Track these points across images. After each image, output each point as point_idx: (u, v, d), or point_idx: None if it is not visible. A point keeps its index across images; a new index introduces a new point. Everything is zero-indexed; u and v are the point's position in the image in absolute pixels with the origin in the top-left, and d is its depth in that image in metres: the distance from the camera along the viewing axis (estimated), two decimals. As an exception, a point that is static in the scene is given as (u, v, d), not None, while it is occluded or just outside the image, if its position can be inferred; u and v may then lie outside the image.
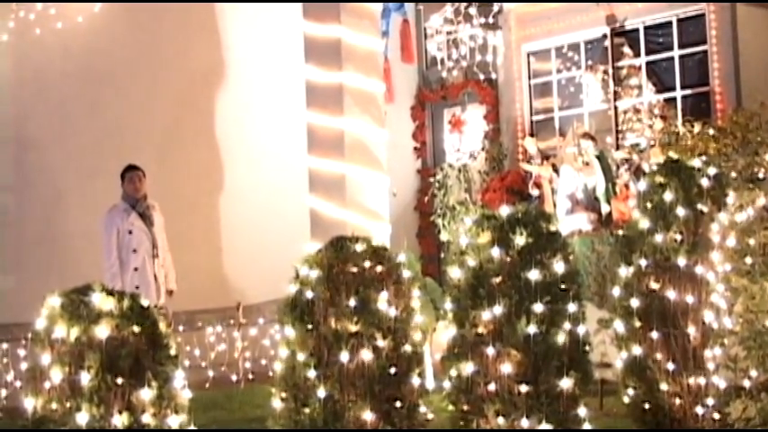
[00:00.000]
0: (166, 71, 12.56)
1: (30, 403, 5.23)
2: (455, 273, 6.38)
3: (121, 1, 12.27)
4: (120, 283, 9.48)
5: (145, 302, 5.54)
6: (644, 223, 7.18)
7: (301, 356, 6.14)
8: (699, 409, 6.88)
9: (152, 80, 12.46)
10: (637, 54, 12.96)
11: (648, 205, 7.22)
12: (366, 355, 6.09)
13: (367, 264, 6.28)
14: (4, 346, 10.40)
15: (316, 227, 10.30)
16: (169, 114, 12.61)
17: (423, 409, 6.24)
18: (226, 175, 13.08)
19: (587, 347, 6.28)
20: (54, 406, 5.18)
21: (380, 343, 6.13)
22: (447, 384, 6.36)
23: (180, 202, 12.11)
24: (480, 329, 6.18)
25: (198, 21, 12.87)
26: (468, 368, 6.19)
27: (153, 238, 9.88)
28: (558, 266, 6.19)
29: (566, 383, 6.04)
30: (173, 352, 5.48)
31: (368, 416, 6.00)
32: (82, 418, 5.07)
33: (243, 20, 13.13)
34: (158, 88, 12.50)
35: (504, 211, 6.37)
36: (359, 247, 6.33)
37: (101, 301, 5.31)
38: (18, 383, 9.70)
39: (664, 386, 6.93)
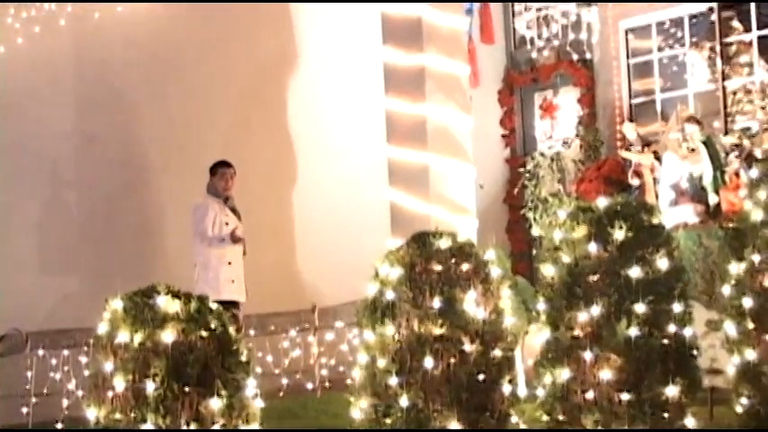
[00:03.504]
0: (234, 59, 12.64)
1: (92, 413, 5.31)
2: (548, 270, 6.36)
3: (186, -15, 12.39)
4: (215, 275, 9.89)
5: (213, 305, 5.58)
6: (756, 215, 7.03)
7: (382, 362, 6.15)
8: (821, 420, 6.73)
9: (219, 69, 12.55)
10: (747, 29, 12.75)
11: (761, 195, 7.08)
12: (452, 360, 6.07)
13: (452, 261, 6.27)
14: (65, 352, 10.56)
15: (396, 222, 10.28)
16: (237, 105, 12.69)
17: (514, 418, 6.20)
18: (299, 168, 13.14)
19: (695, 351, 6.21)
20: (118, 416, 5.26)
21: (468, 347, 6.12)
22: (541, 392, 6.33)
23: (250, 198, 12.16)
24: (576, 332, 6.15)
25: (267, 4, 12.92)
26: (563, 374, 6.15)
27: (242, 233, 10.21)
28: (662, 263, 6.13)
29: (671, 391, 5.97)
30: (243, 358, 5.52)
31: (455, 426, 5.99)
32: (147, 429, 5.13)
33: (315, 2, 13.15)
34: (225, 77, 12.58)
35: (602, 202, 6.32)
36: (443, 244, 6.32)
37: (166, 303, 5.37)
38: (80, 392, 9.84)
39: (781, 394, 6.80)
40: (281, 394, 10.66)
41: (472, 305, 6.18)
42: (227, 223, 10.03)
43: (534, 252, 13.88)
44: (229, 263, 10.03)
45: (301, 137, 13.13)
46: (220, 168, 10.25)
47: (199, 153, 11.70)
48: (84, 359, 10.20)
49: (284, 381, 11.04)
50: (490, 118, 14.98)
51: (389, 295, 6.20)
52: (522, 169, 14.27)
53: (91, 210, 12.26)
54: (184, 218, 11.41)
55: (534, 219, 13.75)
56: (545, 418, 6.31)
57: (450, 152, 10.27)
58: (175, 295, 5.42)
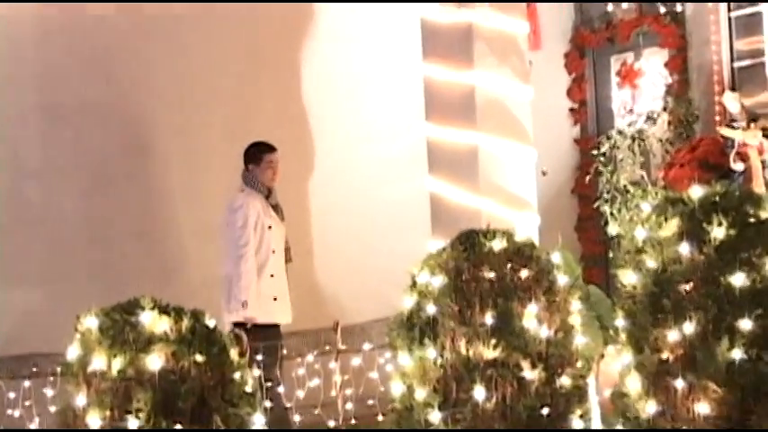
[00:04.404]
0: (235, 16, 12.63)
1: (61, 458, 5.34)
2: (629, 278, 6.34)
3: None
4: (254, 293, 9.99)
5: (211, 322, 5.59)
6: None
7: (421, 393, 6.16)
8: None
9: (217, 28, 12.54)
10: None
11: None
12: (509, 390, 6.07)
13: (508, 267, 6.28)
14: (26, 383, 10.59)
15: (438, 219, 10.28)
16: (239, 74, 12.70)
17: (587, 463, 6.21)
18: (316, 152, 13.14)
19: (816, 379, 6.17)
20: (93, 462, 5.27)
21: (528, 374, 6.13)
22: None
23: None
24: (665, 355, 6.13)
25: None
26: (649, 408, 6.14)
27: (287, 238, 10.42)
28: (773, 267, 6.10)
29: (786, 428, 5.95)
30: (248, 388, 5.52)
31: (512, 473, 6.00)
32: (129, 478, 5.16)
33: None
34: (225, 38, 12.57)
35: (696, 192, 6.29)
36: (497, 245, 6.34)
37: (152, 321, 5.39)
38: (46, 432, 9.89)
39: None
40: None
41: (533, 321, 6.20)
42: (270, 227, 10.14)
43: (611, 255, 13.86)
44: (272, 275, 10.16)
45: (319, 113, 13.13)
46: (265, 154, 10.29)
47: (194, 134, 11.71)
48: (50, 392, 10.23)
49: (297, 417, 11.06)
50: (555, 88, 14.96)
51: (430, 309, 6.21)
52: (595, 151, 14.23)
53: (60, 207, 12.28)
54: (183, 215, 11.47)
55: (611, 213, 13.72)
56: (626, 461, 6.31)
57: (504, 131, 10.25)
58: (164, 311, 5.43)
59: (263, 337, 9.87)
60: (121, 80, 12.42)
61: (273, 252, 10.21)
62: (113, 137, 12.32)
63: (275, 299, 10.14)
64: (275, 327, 10.18)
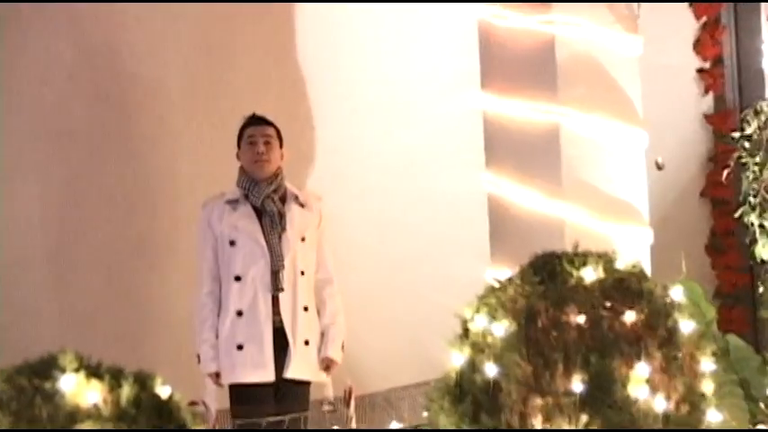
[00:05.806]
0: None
1: None
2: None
3: None
4: (211, 341, 9.89)
5: (165, 390, 5.62)
6: None
7: (477, 495, 6.20)
8: None
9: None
10: None
11: None
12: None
13: (606, 307, 6.30)
14: None
15: (500, 234, 10.30)
16: (216, 34, 12.75)
17: None
18: (317, 137, 13.18)
19: None
20: None
21: (636, 465, 6.15)
22: None
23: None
24: (843, 438, 6.18)
25: None
26: None
27: (278, 254, 10.02)
28: None
29: None
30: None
31: None
32: None
33: None
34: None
35: None
36: (588, 274, 6.35)
37: (76, 388, 5.40)
38: None
39: None
40: None
41: (644, 388, 6.21)
42: (232, 242, 9.92)
43: (761, 290, 13.87)
44: (238, 312, 9.87)
45: (327, 86, 13.14)
46: (245, 129, 10.19)
47: (151, 114, 11.75)
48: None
49: None
50: (676, 39, 14.99)
51: (489, 370, 6.23)
52: (736, 134, 14.24)
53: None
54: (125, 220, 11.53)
55: (761, 226, 13.73)
56: None
57: (599, 103, 10.27)
58: (93, 372, 5.45)
59: (240, 408, 9.85)
60: (60, 41, 12.50)
61: (238, 279, 9.89)
62: (39, 121, 12.37)
63: (240, 347, 9.77)
64: (258, 388, 9.99)
